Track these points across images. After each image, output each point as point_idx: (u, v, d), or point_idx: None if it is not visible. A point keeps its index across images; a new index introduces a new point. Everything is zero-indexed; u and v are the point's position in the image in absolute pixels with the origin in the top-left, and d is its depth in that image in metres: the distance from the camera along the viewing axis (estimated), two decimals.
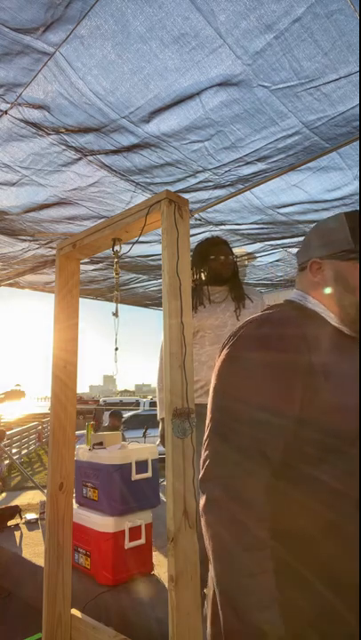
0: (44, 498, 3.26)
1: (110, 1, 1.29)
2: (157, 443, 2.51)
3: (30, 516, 3.82)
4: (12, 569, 3.03)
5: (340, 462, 0.75)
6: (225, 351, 0.87)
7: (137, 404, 15.28)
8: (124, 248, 1.62)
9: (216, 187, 2.40)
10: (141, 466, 2.62)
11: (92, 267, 3.68)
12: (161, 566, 2.65)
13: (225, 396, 0.82)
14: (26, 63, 1.53)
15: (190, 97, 1.69)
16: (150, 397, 18.50)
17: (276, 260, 3.76)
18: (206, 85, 1.63)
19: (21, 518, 3.77)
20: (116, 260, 1.62)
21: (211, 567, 0.73)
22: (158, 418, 2.31)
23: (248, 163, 2.15)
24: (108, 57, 1.50)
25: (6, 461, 7.77)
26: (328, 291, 0.89)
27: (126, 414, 11.75)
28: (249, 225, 2.93)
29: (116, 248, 1.62)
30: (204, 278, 2.39)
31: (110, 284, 4.19)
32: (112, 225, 1.55)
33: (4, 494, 5.29)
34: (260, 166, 2.18)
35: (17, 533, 3.47)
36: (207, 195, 2.50)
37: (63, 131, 1.89)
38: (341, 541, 0.73)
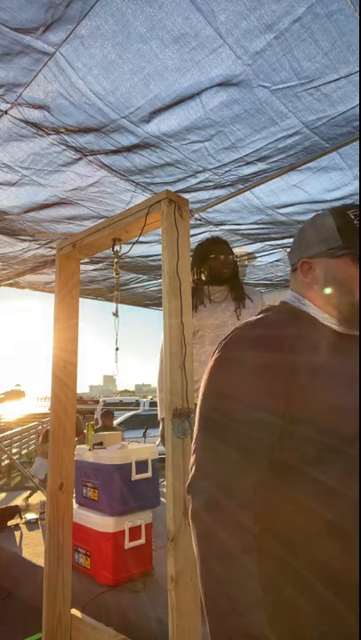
0: (44, 498, 3.27)
1: (110, 1, 1.29)
2: (157, 443, 2.51)
3: (30, 516, 3.82)
4: (11, 569, 3.03)
5: (339, 462, 0.74)
6: (217, 353, 0.86)
7: (137, 404, 15.28)
8: (124, 248, 1.62)
9: (216, 187, 2.40)
10: (141, 466, 2.62)
11: (92, 267, 3.68)
12: (161, 566, 2.65)
13: (218, 397, 0.82)
14: (26, 63, 1.53)
15: (190, 97, 1.69)
16: (150, 397, 18.49)
17: (276, 260, 3.76)
18: (206, 85, 1.63)
19: (21, 518, 3.77)
20: (116, 260, 1.62)
21: (202, 566, 0.73)
22: (159, 418, 2.31)
23: (248, 163, 2.15)
24: (109, 57, 1.50)
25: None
26: (323, 291, 0.88)
27: (126, 414, 11.75)
28: (249, 225, 2.93)
29: (116, 248, 1.62)
30: (204, 278, 2.39)
31: (110, 284, 4.19)
32: (112, 225, 1.55)
33: (3, 494, 5.29)
34: (261, 166, 2.18)
35: (17, 533, 3.47)
36: (207, 195, 2.50)
37: (63, 131, 1.89)
38: (341, 541, 0.73)
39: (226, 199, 2.52)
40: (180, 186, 2.38)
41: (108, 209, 2.66)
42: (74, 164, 2.16)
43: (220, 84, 1.62)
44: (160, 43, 1.44)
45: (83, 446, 2.89)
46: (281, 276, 4.31)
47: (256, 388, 0.78)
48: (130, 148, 2.03)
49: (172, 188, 2.39)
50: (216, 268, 2.36)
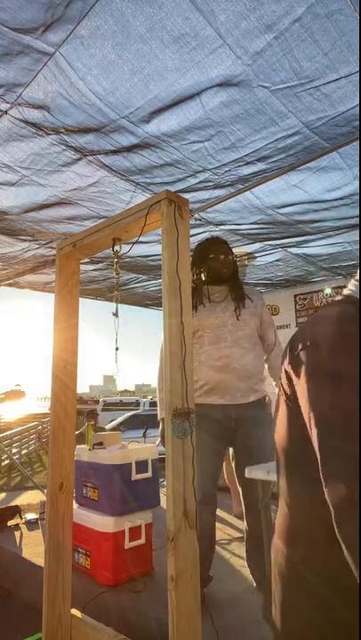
0: (44, 498, 3.26)
1: (110, 1, 1.29)
2: (157, 443, 2.51)
3: (30, 516, 3.82)
4: (11, 569, 3.03)
5: None
6: (312, 364, 0.71)
7: (137, 403, 15.29)
8: (124, 248, 1.62)
9: (216, 187, 2.40)
10: (141, 466, 2.62)
11: (92, 267, 3.68)
12: (161, 566, 2.65)
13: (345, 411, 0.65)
14: (26, 63, 1.53)
15: (190, 97, 1.69)
16: (150, 397, 18.51)
17: (276, 260, 3.76)
18: (206, 86, 1.63)
19: (21, 518, 3.77)
20: (116, 260, 1.62)
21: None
22: (158, 418, 2.31)
23: (248, 163, 2.15)
24: (108, 57, 1.50)
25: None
26: None
27: (126, 414, 11.75)
28: (249, 225, 2.93)
29: (116, 248, 1.62)
30: (203, 278, 2.39)
31: (110, 284, 4.19)
32: (112, 225, 1.55)
33: (3, 494, 5.29)
34: (260, 166, 2.18)
35: (17, 533, 3.47)
36: (207, 195, 2.50)
37: (63, 131, 1.89)
38: None
39: (226, 199, 2.52)
40: (180, 186, 2.38)
41: (107, 209, 2.66)
42: (74, 164, 2.16)
43: (219, 85, 1.63)
44: (160, 43, 1.44)
45: (83, 446, 2.89)
46: (281, 276, 4.31)
47: None
48: (130, 148, 2.03)
49: (172, 188, 2.39)
50: (216, 268, 2.36)
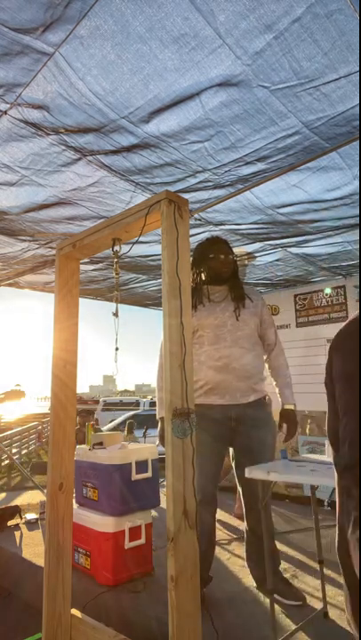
0: (44, 498, 3.26)
1: (110, 1, 1.29)
2: (157, 443, 2.51)
3: (30, 516, 3.82)
4: (12, 569, 3.03)
5: None
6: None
7: (137, 403, 15.30)
8: (124, 248, 1.62)
9: (216, 187, 2.40)
10: (141, 466, 2.62)
11: (92, 267, 3.68)
12: (161, 566, 2.65)
13: None
14: (25, 63, 1.52)
15: (190, 97, 1.69)
16: (150, 397, 18.50)
17: (276, 260, 3.76)
18: (206, 86, 1.63)
19: (21, 518, 3.77)
20: (115, 260, 1.62)
21: None
22: (157, 417, 2.31)
23: (248, 163, 2.15)
24: (108, 57, 1.50)
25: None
26: None
27: (126, 414, 11.75)
28: (249, 225, 2.93)
29: (116, 248, 1.62)
30: (203, 278, 2.39)
31: (110, 284, 4.19)
32: (112, 225, 1.55)
33: (3, 494, 5.29)
34: (260, 166, 2.18)
35: (17, 533, 3.47)
36: (207, 195, 2.50)
37: (63, 131, 1.89)
38: None
39: (225, 199, 2.52)
40: (180, 186, 2.38)
41: (107, 209, 2.66)
42: (73, 164, 2.16)
43: (219, 85, 1.62)
44: (159, 43, 1.44)
45: (83, 446, 2.89)
46: (281, 276, 4.31)
47: None
48: (129, 149, 2.03)
49: (172, 188, 2.39)
50: (215, 268, 2.36)
